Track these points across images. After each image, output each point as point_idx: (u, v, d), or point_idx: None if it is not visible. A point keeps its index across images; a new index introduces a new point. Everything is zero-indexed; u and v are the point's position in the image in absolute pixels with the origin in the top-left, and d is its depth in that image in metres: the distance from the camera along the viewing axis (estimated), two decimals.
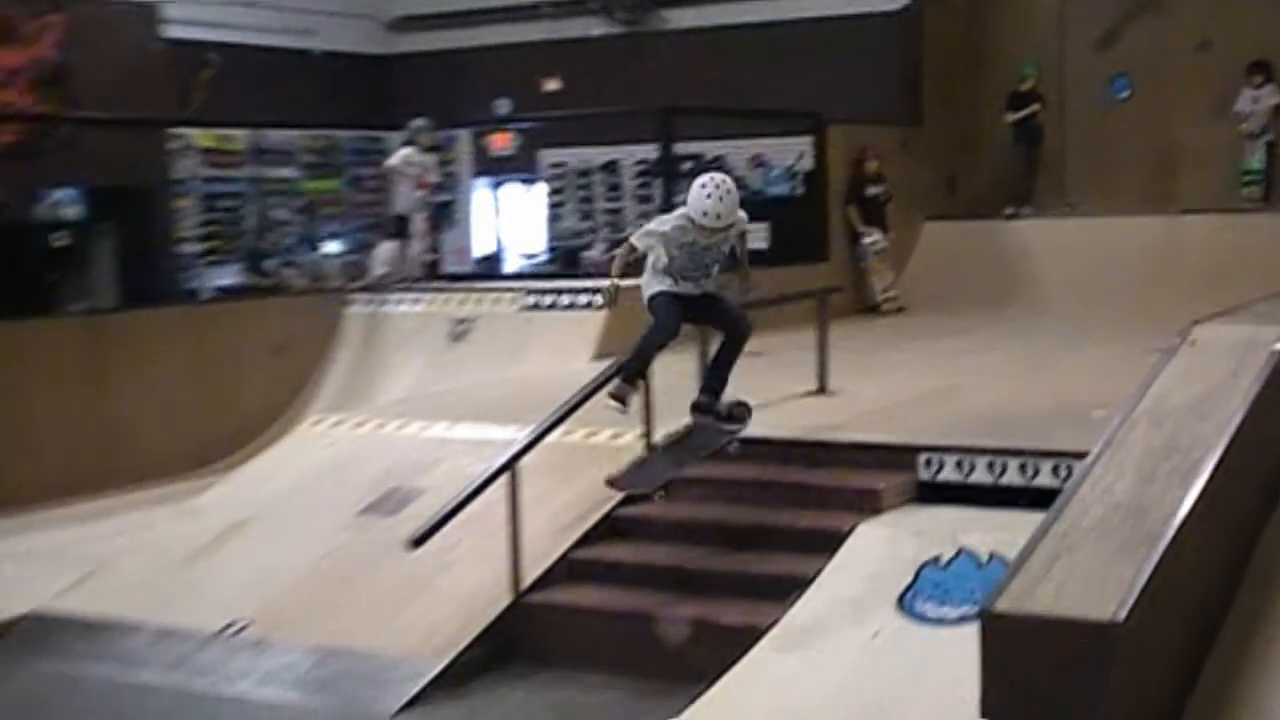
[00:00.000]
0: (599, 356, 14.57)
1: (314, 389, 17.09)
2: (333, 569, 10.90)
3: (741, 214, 10.39)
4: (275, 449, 13.83)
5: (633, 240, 10.47)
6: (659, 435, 10.92)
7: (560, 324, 16.45)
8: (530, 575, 10.26)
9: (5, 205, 18.00)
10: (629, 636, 9.83)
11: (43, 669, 10.50)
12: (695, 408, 10.59)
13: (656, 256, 10.29)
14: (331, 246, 21.37)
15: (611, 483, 10.44)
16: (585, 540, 10.61)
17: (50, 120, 19.14)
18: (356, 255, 20.80)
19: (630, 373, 10.33)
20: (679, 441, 10.59)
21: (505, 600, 10.18)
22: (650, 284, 10.38)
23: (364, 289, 18.62)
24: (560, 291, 17.14)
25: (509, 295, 17.57)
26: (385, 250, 19.51)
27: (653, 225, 10.48)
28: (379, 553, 10.71)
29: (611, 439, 11.43)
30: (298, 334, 17.57)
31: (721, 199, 9.99)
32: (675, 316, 10.29)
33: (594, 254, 21.40)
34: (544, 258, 21.78)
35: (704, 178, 10.17)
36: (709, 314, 10.64)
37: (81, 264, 17.68)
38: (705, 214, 9.94)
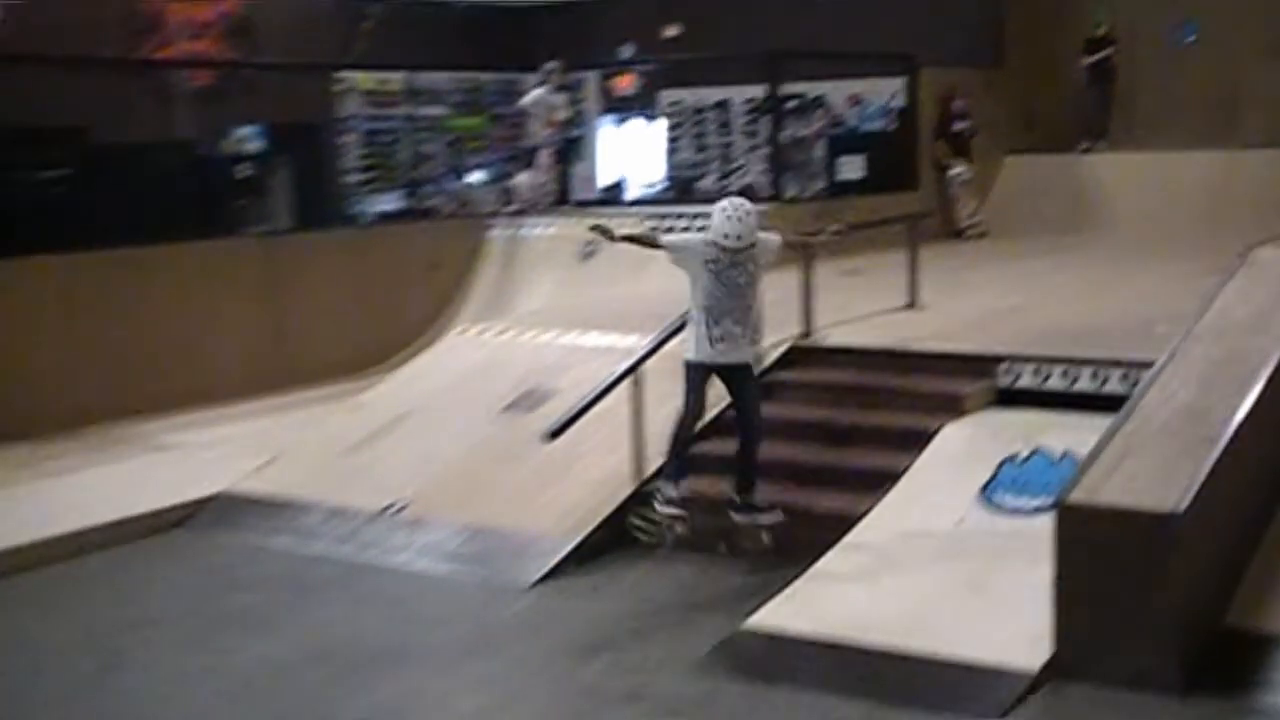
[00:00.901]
0: None
1: (461, 302, 17.15)
2: (479, 458, 10.95)
3: (766, 236, 9.51)
4: (428, 354, 13.89)
5: (662, 240, 9.83)
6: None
7: None
8: (650, 467, 10.22)
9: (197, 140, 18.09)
10: (738, 522, 9.79)
11: (232, 540, 10.66)
12: (732, 507, 9.60)
13: (692, 284, 9.36)
14: (475, 177, 21.32)
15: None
16: (698, 436, 10.55)
17: (236, 66, 19.22)
18: (497, 184, 20.77)
19: (670, 471, 9.46)
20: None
21: (628, 489, 10.20)
22: (688, 340, 9.47)
23: (504, 214, 18.60)
24: (677, 216, 17.02)
25: (632, 219, 17.48)
26: (522, 180, 19.52)
27: (682, 237, 9.92)
28: (519, 445, 10.74)
29: None
30: (447, 254, 17.63)
31: (740, 220, 9.14)
32: (701, 397, 9.41)
33: (706, 183, 21.28)
34: (662, 186, 21.63)
35: (725, 202, 9.31)
36: (738, 398, 9.59)
37: (261, 192, 17.72)
38: (726, 235, 9.10)
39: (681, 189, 21.31)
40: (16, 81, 15.66)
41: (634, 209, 18.89)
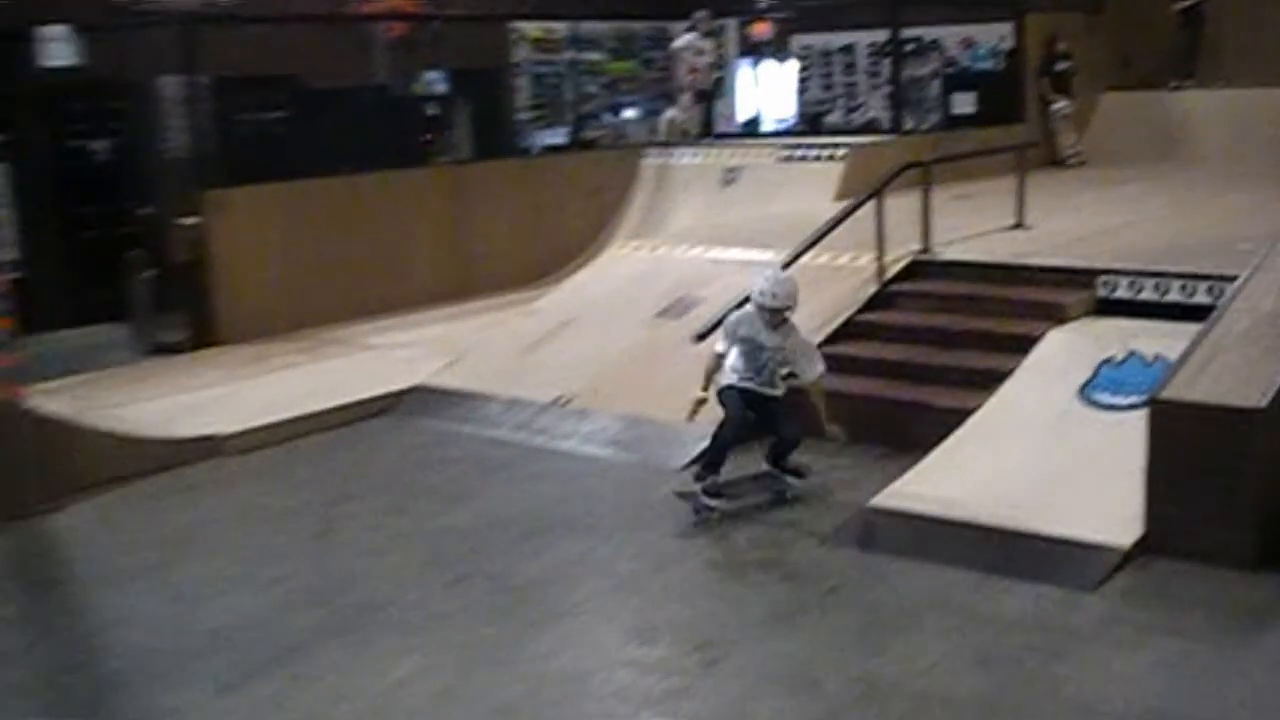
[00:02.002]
0: (838, 198, 14.31)
1: (618, 222, 17.07)
2: (635, 357, 10.96)
3: (807, 347, 8.80)
4: (591, 267, 13.91)
5: (716, 348, 8.82)
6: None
7: (807, 172, 16.20)
8: None
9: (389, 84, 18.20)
10: (866, 413, 9.72)
11: (427, 425, 10.79)
12: (769, 460, 8.94)
13: (728, 363, 8.73)
14: (630, 113, 21.29)
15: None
16: (830, 339, 10.45)
17: (425, 18, 19.25)
18: (649, 119, 20.72)
19: (710, 466, 8.54)
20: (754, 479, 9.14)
21: None
22: (720, 380, 8.77)
23: (655, 145, 18.54)
24: (807, 147, 16.89)
25: (767, 150, 17.39)
26: (671, 114, 19.45)
27: (726, 320, 8.89)
28: (670, 346, 10.74)
29: (851, 261, 11.24)
30: (605, 181, 17.55)
31: (779, 282, 8.56)
32: (740, 408, 8.58)
33: (833, 118, 21.08)
34: (793, 121, 21.46)
35: (769, 270, 8.88)
36: (763, 418, 8.77)
37: (447, 128, 17.82)
38: (761, 292, 8.47)
39: (811, 123, 21.16)
40: (242, 37, 15.80)
41: (768, 140, 18.72)
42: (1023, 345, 9.56)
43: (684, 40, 18.56)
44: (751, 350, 8.58)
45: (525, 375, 11.21)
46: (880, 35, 19.31)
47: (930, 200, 11.28)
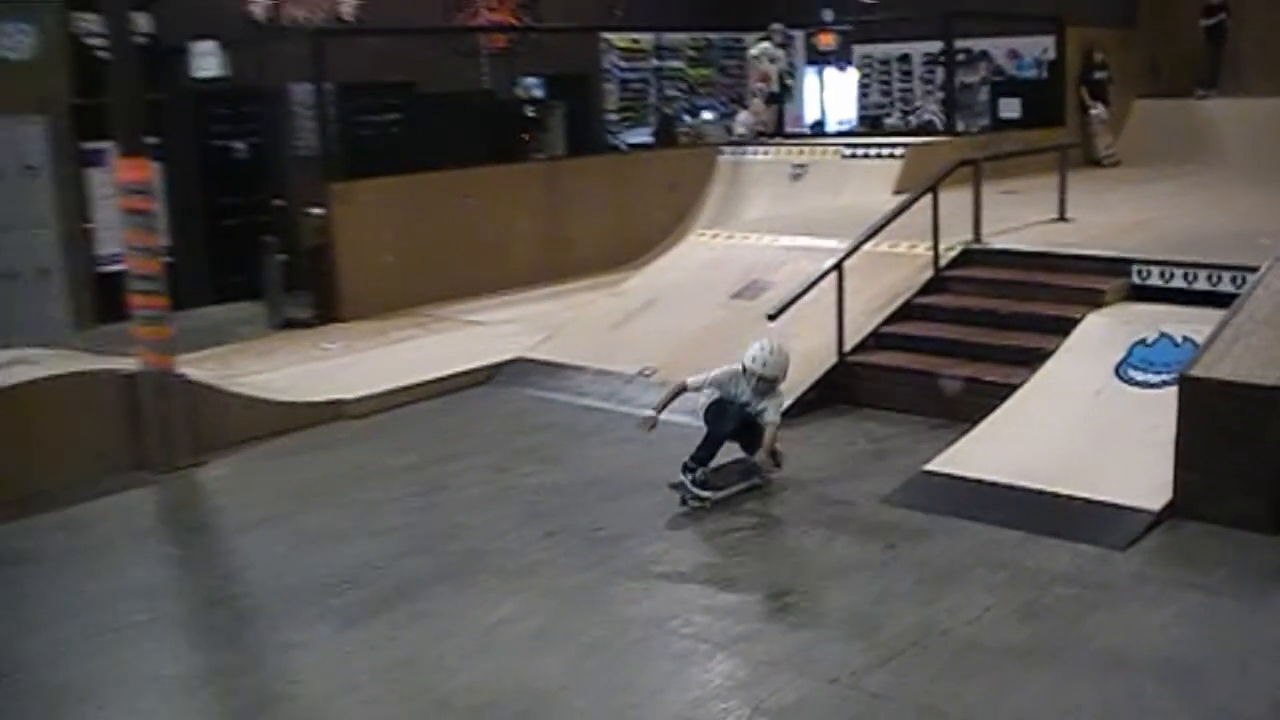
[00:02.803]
0: (897, 192, 14.22)
1: (696, 212, 17.02)
2: (712, 334, 10.89)
3: (781, 389, 8.36)
4: (671, 253, 13.88)
5: (687, 381, 8.45)
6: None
7: (868, 169, 16.07)
8: (849, 343, 10.16)
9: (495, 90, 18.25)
10: (919, 387, 9.69)
11: (524, 393, 10.84)
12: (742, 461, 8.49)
13: (708, 391, 8.41)
14: (707, 114, 21.21)
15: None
16: (889, 320, 10.44)
17: (524, 30, 19.28)
18: (724, 120, 20.64)
19: (700, 459, 8.10)
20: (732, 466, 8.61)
21: (832, 360, 10.12)
22: (704, 399, 8.43)
23: (730, 143, 18.47)
24: (868, 145, 16.76)
25: (832, 148, 17.25)
26: (744, 116, 19.37)
27: (704, 375, 8.44)
28: (744, 324, 10.63)
29: (909, 249, 11.14)
30: (684, 175, 17.52)
31: (771, 352, 8.15)
32: (737, 411, 8.22)
33: (891, 120, 20.91)
34: (855, 122, 21.30)
35: (764, 339, 8.37)
36: (741, 430, 8.31)
37: (542, 127, 17.84)
38: (754, 359, 8.10)
39: (870, 124, 21.01)
40: (364, 48, 15.92)
41: (832, 140, 18.59)
42: (1064, 327, 9.46)
43: (760, 49, 18.47)
44: (731, 402, 8.23)
45: (613, 349, 11.21)
46: (934, 46, 19.17)
47: (980, 195, 11.18)
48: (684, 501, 8.05)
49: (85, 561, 7.89)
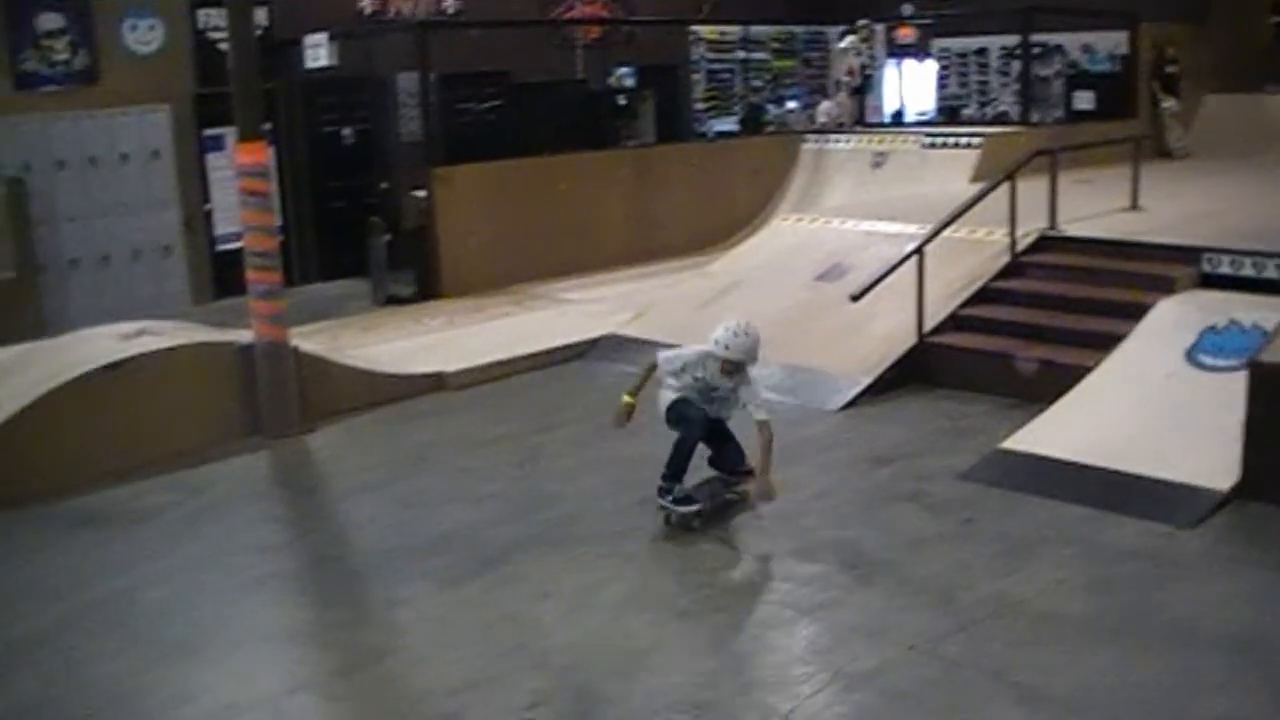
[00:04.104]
0: (974, 180, 14.08)
1: (780, 197, 16.95)
2: (796, 314, 10.85)
3: (753, 375, 7.46)
4: (756, 236, 13.85)
5: (658, 359, 7.60)
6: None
7: (946, 158, 15.91)
8: (928, 325, 10.07)
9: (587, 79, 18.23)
10: (995, 368, 9.60)
11: (616, 368, 10.76)
12: (722, 481, 7.80)
13: (669, 380, 7.54)
14: (791, 104, 21.07)
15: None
16: (966, 303, 10.34)
17: (617, 22, 19.28)
18: (806, 110, 20.50)
19: (674, 474, 7.33)
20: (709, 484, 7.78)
21: (910, 341, 10.03)
22: (666, 396, 7.51)
23: (813, 132, 18.35)
24: (946, 135, 16.58)
25: (911, 137, 17.10)
26: (826, 106, 19.24)
27: (676, 352, 7.64)
28: (826, 305, 10.67)
29: (986, 235, 11.02)
30: (768, 162, 17.44)
31: (736, 334, 7.24)
32: (700, 414, 7.41)
33: (968, 111, 20.65)
34: (933, 113, 21.05)
35: (731, 320, 7.47)
36: (714, 438, 7.66)
37: (633, 116, 17.78)
38: (717, 341, 7.22)
39: (949, 114, 20.76)
40: (464, 39, 15.99)
41: (912, 129, 18.42)
42: (1136, 312, 9.30)
43: (846, 42, 18.36)
44: (704, 389, 7.41)
45: (700, 328, 11.02)
46: (1010, 40, 18.88)
47: (1056, 183, 11.03)
48: (668, 520, 7.33)
49: (203, 521, 8.03)
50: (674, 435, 7.45)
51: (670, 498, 7.31)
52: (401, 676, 5.92)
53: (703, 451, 7.67)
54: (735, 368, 7.32)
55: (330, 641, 6.35)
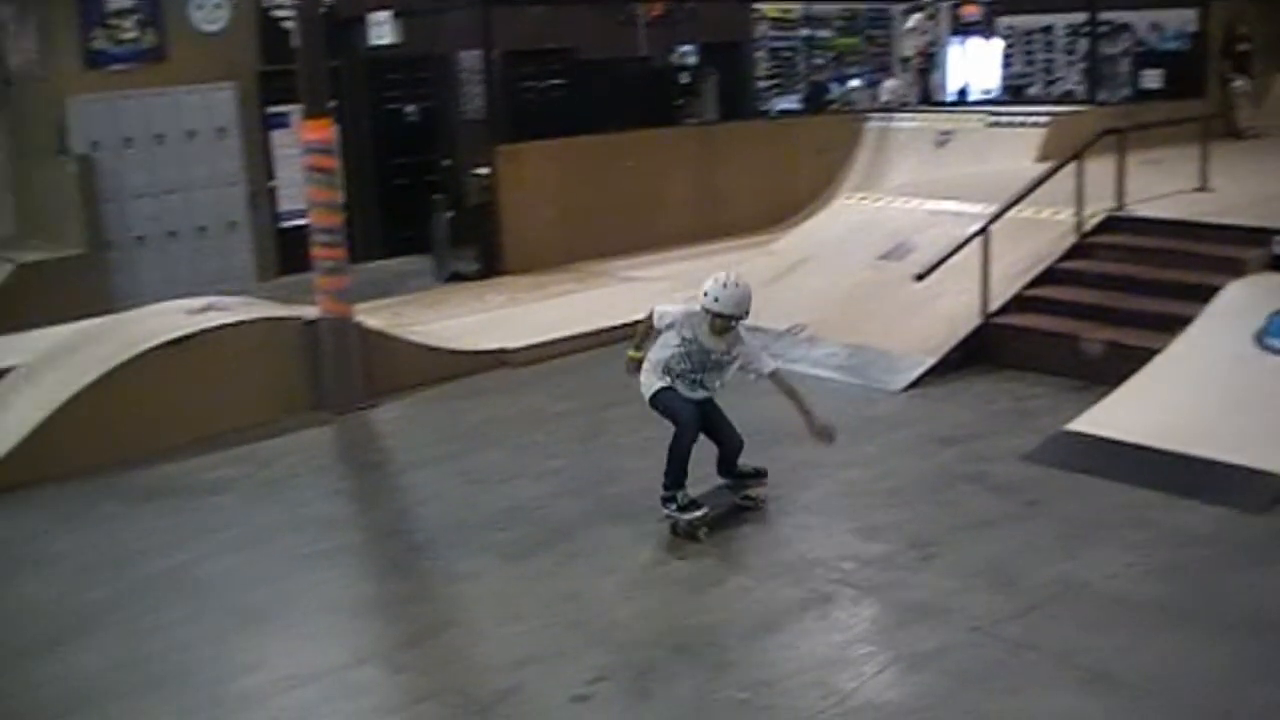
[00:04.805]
0: (1039, 160, 13.89)
1: (844, 176, 16.81)
2: (860, 294, 10.81)
3: (746, 337, 7.13)
4: (820, 215, 13.72)
5: (653, 312, 7.13)
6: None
7: (1011, 136, 15.68)
8: (993, 305, 9.98)
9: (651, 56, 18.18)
10: (1060, 349, 9.51)
11: None
12: (722, 472, 7.39)
13: (660, 346, 7.04)
14: (854, 82, 20.96)
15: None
16: (1032, 283, 10.23)
17: (681, 0, 19.25)
18: (870, 88, 20.39)
19: (674, 482, 6.96)
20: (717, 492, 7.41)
21: (976, 321, 9.95)
22: (650, 382, 7.02)
23: (876, 110, 18.24)
24: (1011, 114, 16.38)
25: (976, 116, 16.91)
26: (890, 84, 19.12)
27: (667, 307, 7.20)
28: (891, 285, 10.58)
29: (1052, 215, 10.89)
30: (833, 141, 17.30)
31: (725, 286, 6.80)
32: (692, 412, 6.97)
33: (1033, 90, 20.46)
34: (997, 92, 20.88)
35: (722, 274, 6.99)
36: (709, 423, 7.15)
37: (696, 93, 17.76)
38: (706, 294, 6.78)
39: (1013, 93, 20.58)
40: (527, 16, 16.00)
41: (976, 108, 18.25)
42: (1204, 294, 9.15)
43: (912, 20, 18.24)
44: (694, 352, 6.93)
45: (763, 306, 10.90)
46: (1077, 18, 18.65)
47: (1124, 164, 10.88)
48: (675, 530, 6.97)
49: (269, 494, 8.13)
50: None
51: (675, 505, 6.94)
52: (464, 650, 5.97)
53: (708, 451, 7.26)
54: (726, 325, 6.86)
55: (394, 614, 6.42)
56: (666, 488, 6.96)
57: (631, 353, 7.18)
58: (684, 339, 6.90)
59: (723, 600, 6.26)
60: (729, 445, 7.23)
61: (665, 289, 12.35)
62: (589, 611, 6.20)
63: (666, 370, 6.95)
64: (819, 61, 21.01)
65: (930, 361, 9.62)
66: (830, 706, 5.21)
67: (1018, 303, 10.13)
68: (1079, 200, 10.54)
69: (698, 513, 6.93)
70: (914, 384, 9.48)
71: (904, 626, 5.87)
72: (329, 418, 9.52)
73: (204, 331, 9.30)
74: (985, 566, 6.43)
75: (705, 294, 6.80)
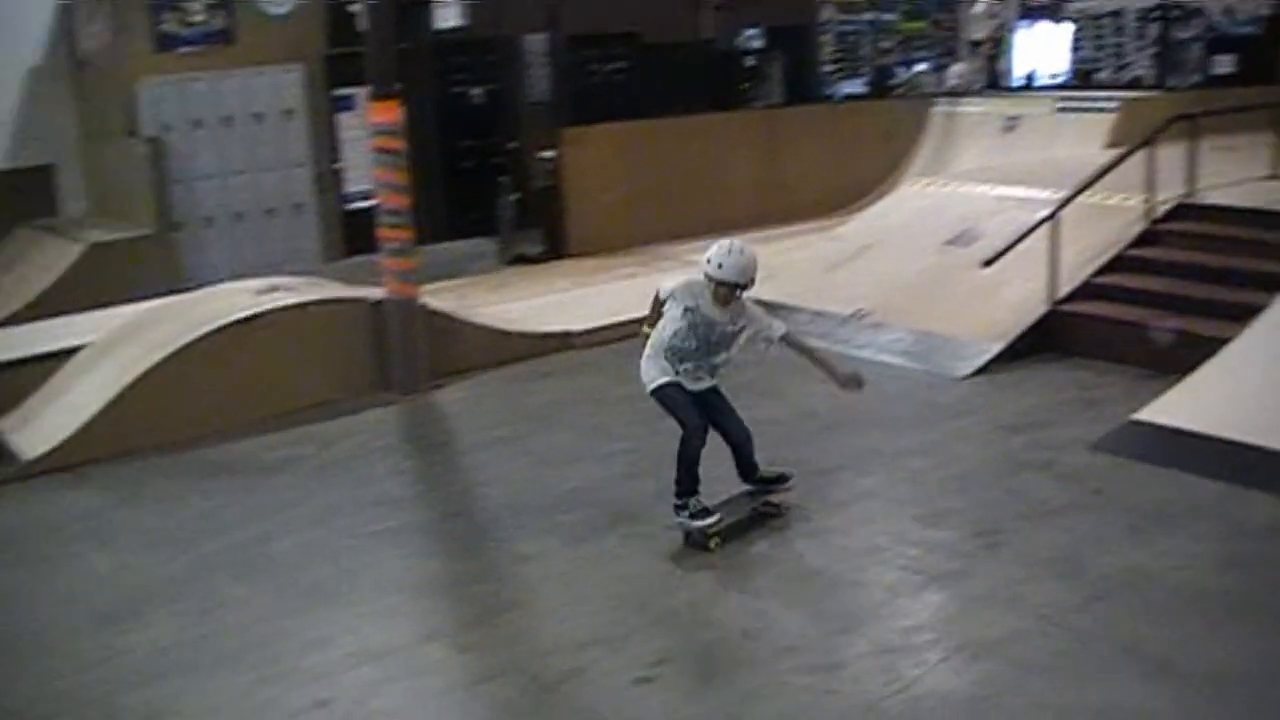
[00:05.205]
0: (1108, 146, 13.74)
1: (910, 161, 16.75)
2: (925, 280, 10.75)
3: (762, 315, 6.81)
4: (886, 200, 13.65)
5: (659, 291, 6.82)
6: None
7: (1079, 122, 15.52)
8: (1061, 292, 9.88)
9: (714, 39, 18.11)
10: (1129, 338, 9.39)
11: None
12: (744, 477, 7.07)
13: (664, 327, 6.69)
14: (920, 66, 20.79)
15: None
16: (1100, 271, 10.11)
17: None
18: (937, 72, 20.22)
19: (685, 490, 6.69)
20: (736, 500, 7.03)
21: (1043, 308, 9.86)
22: (649, 370, 6.72)
23: (943, 95, 18.09)
24: (1080, 99, 16.20)
25: (1043, 101, 16.76)
26: (957, 68, 18.96)
27: (673, 281, 6.80)
28: (956, 271, 10.52)
29: (1121, 201, 10.76)
30: (898, 125, 17.24)
31: (729, 252, 6.46)
32: (693, 408, 6.66)
33: (1102, 75, 20.19)
34: (1066, 77, 20.64)
35: (726, 240, 6.63)
36: (716, 415, 6.81)
37: (761, 77, 17.72)
38: (709, 261, 6.47)
39: (1081, 79, 20.33)
40: (591, 1, 15.99)
41: (1044, 93, 18.05)
42: (1276, 283, 8.93)
43: (981, 4, 18.08)
44: (698, 324, 6.59)
45: (828, 291, 11.11)
46: (1147, 1, 18.40)
47: (1195, 150, 10.71)
48: (688, 539, 6.71)
49: (335, 473, 8.21)
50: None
51: (686, 513, 6.66)
52: (528, 630, 6.00)
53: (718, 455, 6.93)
54: (730, 294, 6.53)
55: (459, 594, 6.47)
56: (677, 495, 6.70)
57: (646, 329, 6.89)
58: (686, 309, 6.56)
59: (787, 584, 6.26)
60: (736, 439, 6.89)
61: None
62: (652, 594, 6.22)
63: (669, 354, 6.63)
64: (885, 45, 20.84)
65: (996, 348, 9.55)
66: (894, 693, 5.20)
67: (1086, 290, 10.02)
68: (1149, 187, 10.41)
69: (709, 520, 6.64)
70: (979, 371, 9.41)
71: (970, 614, 5.84)
72: (394, 398, 9.60)
73: (271, 311, 9.40)
74: (1051, 555, 6.38)
75: (708, 261, 6.51)
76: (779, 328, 6.80)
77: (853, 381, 6.87)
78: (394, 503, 7.63)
